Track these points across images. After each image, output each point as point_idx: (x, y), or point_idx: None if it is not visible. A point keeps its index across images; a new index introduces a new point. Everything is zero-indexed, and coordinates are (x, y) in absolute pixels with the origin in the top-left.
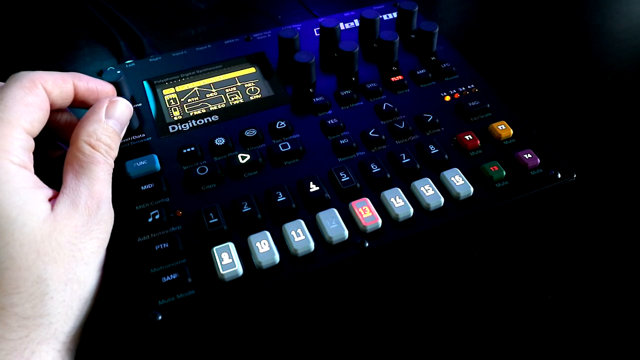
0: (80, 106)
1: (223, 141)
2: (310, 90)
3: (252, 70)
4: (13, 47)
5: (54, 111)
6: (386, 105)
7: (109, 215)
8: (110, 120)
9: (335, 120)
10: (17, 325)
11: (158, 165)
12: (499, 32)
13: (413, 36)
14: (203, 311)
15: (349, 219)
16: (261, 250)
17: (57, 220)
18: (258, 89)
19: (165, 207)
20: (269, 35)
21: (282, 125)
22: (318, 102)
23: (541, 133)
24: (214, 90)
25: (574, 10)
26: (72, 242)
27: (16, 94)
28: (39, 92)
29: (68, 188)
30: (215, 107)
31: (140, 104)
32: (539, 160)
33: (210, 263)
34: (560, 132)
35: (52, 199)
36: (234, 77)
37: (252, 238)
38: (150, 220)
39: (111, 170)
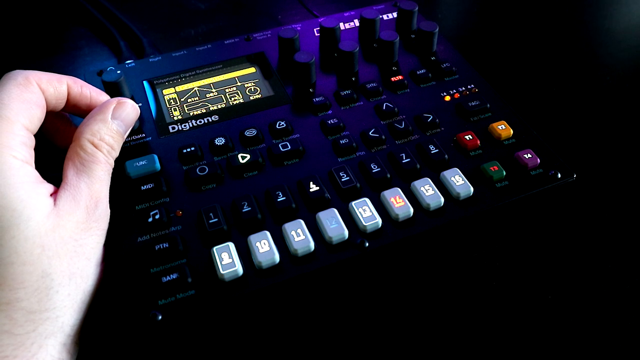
0: (72, 111)
1: (223, 141)
2: (310, 90)
3: (252, 70)
4: (12, 47)
5: (50, 115)
6: (386, 105)
7: (106, 214)
8: (115, 121)
9: (335, 120)
10: (23, 320)
11: (158, 165)
12: (499, 32)
13: (413, 36)
14: (203, 311)
15: (349, 219)
16: (261, 250)
17: (60, 216)
18: (258, 89)
19: (165, 207)
20: (269, 35)
21: (282, 125)
22: (318, 102)
23: (541, 133)
24: (214, 90)
25: (574, 11)
26: (74, 238)
27: (12, 91)
28: (34, 89)
29: (69, 184)
30: (215, 107)
31: (140, 104)
32: (539, 160)
33: (210, 263)
34: (560, 132)
35: (53, 195)
36: (234, 77)
37: (252, 238)
38: (150, 220)
39: (111, 170)
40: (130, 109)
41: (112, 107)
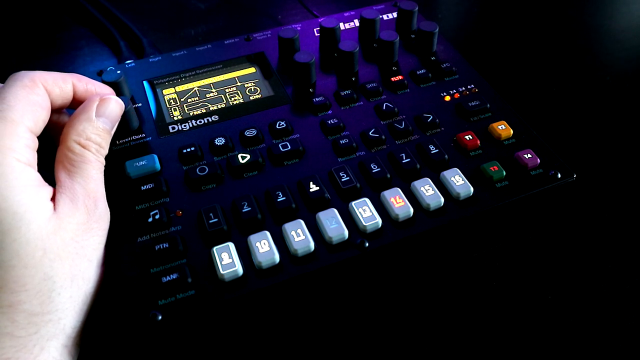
0: (77, 107)
1: (223, 141)
2: (310, 90)
3: (252, 70)
4: (12, 47)
5: (52, 112)
6: (386, 105)
7: (105, 213)
8: (100, 119)
9: (335, 120)
10: (26, 322)
11: (158, 165)
12: (499, 32)
13: (413, 36)
14: (203, 311)
15: (349, 219)
16: (261, 250)
17: (61, 218)
18: (258, 89)
19: (165, 207)
20: (269, 35)
21: (282, 125)
22: (318, 102)
23: (541, 133)
24: (214, 90)
25: (574, 11)
26: (75, 240)
27: (18, 93)
28: (40, 91)
29: (64, 187)
30: (215, 107)
31: (140, 104)
32: (539, 160)
33: (210, 263)
34: (560, 132)
35: (53, 198)
36: (234, 77)
37: (252, 238)
38: (150, 220)
39: (102, 168)
40: (113, 105)
41: (95, 105)
